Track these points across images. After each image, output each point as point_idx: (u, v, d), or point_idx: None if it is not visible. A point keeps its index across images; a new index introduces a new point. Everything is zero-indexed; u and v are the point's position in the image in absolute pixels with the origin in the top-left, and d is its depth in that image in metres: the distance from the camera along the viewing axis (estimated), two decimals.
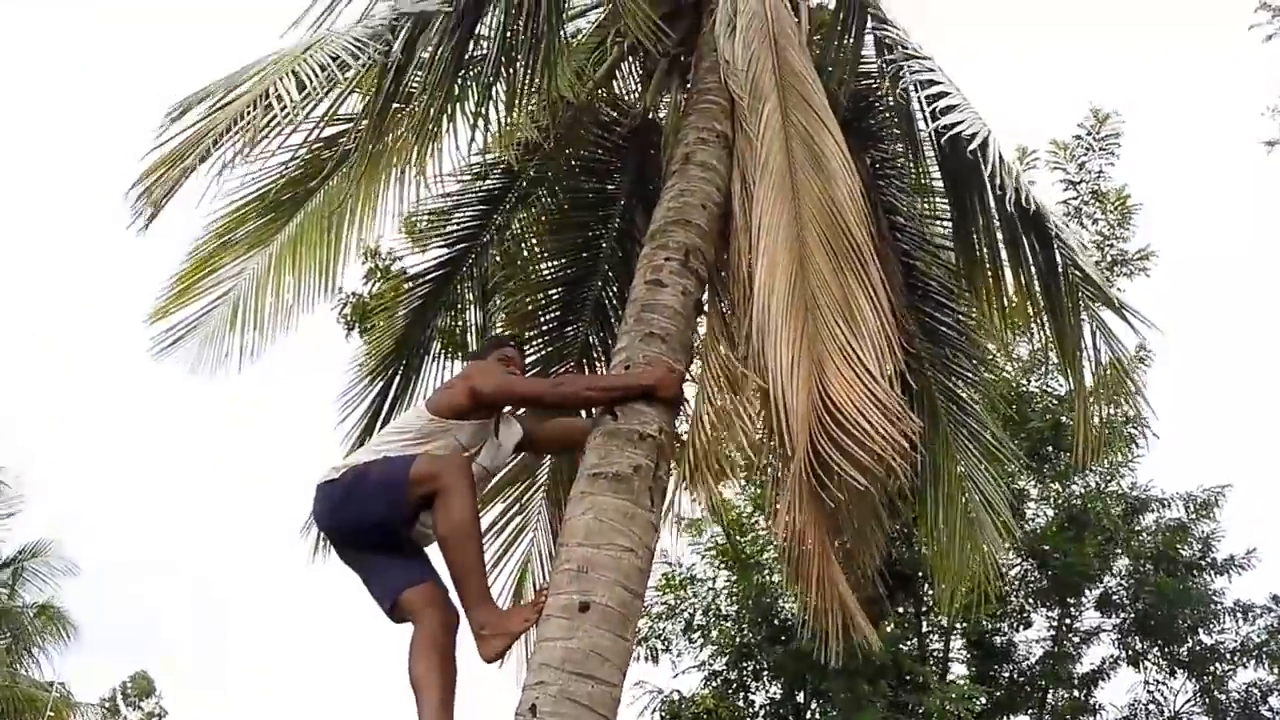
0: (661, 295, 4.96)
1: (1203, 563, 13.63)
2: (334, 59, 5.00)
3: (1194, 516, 13.61)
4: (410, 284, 7.07)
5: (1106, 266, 13.13)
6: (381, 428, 6.59)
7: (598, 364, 6.77)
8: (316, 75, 4.87)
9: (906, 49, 5.98)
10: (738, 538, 13.21)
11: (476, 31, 5.94)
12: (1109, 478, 13.41)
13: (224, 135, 4.67)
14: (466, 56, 5.94)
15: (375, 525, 4.41)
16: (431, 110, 5.80)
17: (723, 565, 13.48)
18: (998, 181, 5.24)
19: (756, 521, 13.10)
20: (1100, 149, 13.39)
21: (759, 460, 5.21)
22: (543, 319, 6.95)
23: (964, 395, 6.75)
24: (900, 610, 13.11)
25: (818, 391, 4.41)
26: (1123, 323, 5.57)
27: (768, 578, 12.81)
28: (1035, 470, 12.94)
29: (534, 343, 6.86)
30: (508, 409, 4.92)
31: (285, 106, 4.73)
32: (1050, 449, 12.82)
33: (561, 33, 6.10)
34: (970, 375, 6.89)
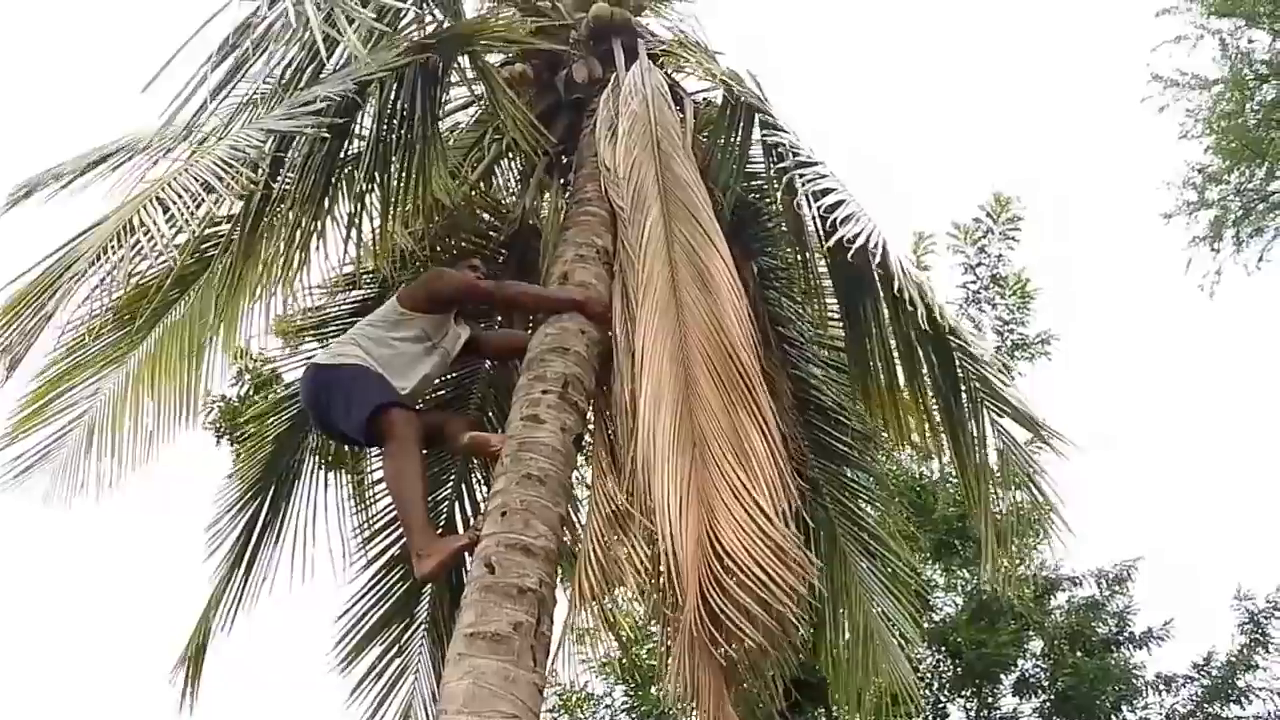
0: (539, 433, 4.93)
1: (1119, 638, 13.81)
2: (199, 181, 4.80)
3: (1107, 593, 13.84)
4: (276, 407, 6.94)
5: (1006, 351, 13.36)
6: (253, 556, 6.70)
7: (477, 487, 6.71)
8: (182, 196, 4.70)
9: (798, 155, 5.90)
10: (635, 650, 13.02)
11: (350, 131, 5.88)
12: (1017, 563, 13.55)
13: (87, 271, 4.46)
14: (340, 158, 5.88)
15: (337, 425, 5.44)
16: (301, 224, 5.75)
17: (619, 680, 13.29)
18: (906, 297, 5.14)
19: (654, 631, 12.92)
20: (1001, 234, 13.67)
21: (649, 609, 5.15)
22: None
23: (861, 511, 6.77)
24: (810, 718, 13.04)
25: (708, 536, 4.35)
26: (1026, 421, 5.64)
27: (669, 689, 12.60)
28: (943, 559, 13.04)
29: None
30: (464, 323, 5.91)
31: (152, 238, 4.54)
32: (956, 541, 12.94)
33: (438, 142, 6.06)
34: (866, 488, 6.91)
